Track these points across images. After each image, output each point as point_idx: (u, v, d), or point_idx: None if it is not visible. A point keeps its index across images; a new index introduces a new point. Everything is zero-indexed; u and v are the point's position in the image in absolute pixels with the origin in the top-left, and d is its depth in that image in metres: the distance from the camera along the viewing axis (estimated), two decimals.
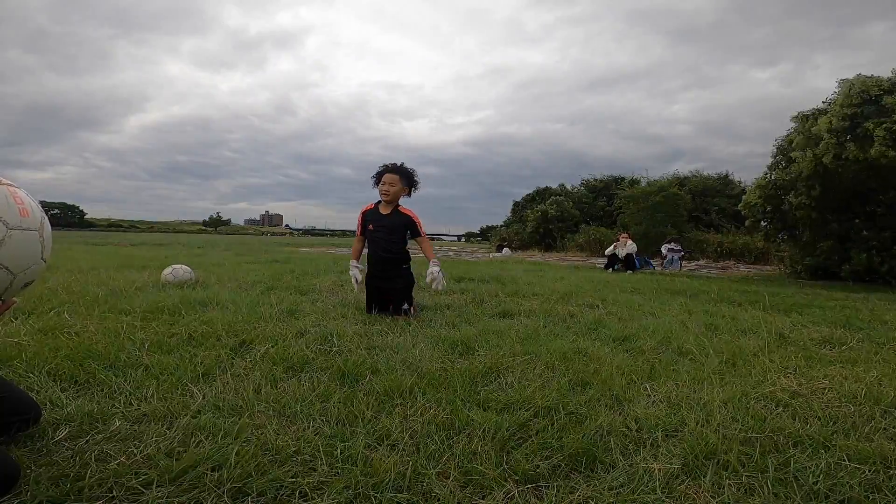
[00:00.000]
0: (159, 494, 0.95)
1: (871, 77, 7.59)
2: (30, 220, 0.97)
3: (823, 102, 8.27)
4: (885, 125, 6.70)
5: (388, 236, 3.17)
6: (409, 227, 3.17)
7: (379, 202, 3.22)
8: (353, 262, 3.29)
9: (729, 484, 1.07)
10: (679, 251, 11.52)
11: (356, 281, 3.23)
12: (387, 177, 3.16)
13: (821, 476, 1.10)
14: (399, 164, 3.24)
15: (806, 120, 8.30)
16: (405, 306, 2.98)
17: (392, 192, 3.14)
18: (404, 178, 3.19)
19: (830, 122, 7.37)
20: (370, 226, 3.20)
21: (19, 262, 0.95)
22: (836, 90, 7.90)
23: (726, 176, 23.48)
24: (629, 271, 9.15)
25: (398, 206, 3.21)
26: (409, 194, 3.25)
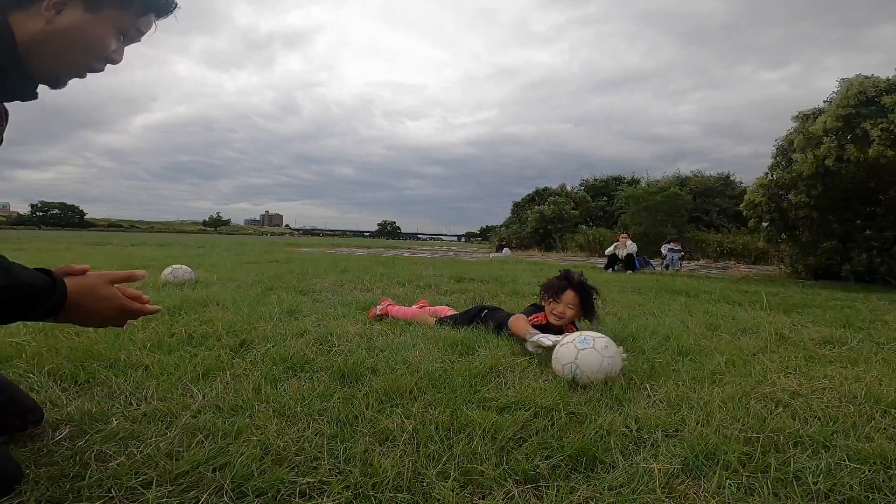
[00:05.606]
0: (159, 494, 0.95)
1: (870, 77, 7.59)
2: None
3: (824, 102, 8.28)
4: (881, 125, 6.71)
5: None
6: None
7: (543, 315, 2.43)
8: (538, 335, 2.15)
9: (729, 484, 1.06)
10: (679, 251, 11.53)
11: (544, 347, 2.09)
12: (569, 296, 2.38)
13: (821, 476, 1.10)
14: (583, 278, 2.46)
15: (806, 119, 8.31)
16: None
17: (567, 317, 2.38)
18: (586, 303, 2.41)
19: (826, 122, 7.38)
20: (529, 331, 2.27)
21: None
22: (836, 89, 7.91)
23: (727, 176, 23.54)
24: (629, 271, 9.16)
25: (571, 323, 2.43)
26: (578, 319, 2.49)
